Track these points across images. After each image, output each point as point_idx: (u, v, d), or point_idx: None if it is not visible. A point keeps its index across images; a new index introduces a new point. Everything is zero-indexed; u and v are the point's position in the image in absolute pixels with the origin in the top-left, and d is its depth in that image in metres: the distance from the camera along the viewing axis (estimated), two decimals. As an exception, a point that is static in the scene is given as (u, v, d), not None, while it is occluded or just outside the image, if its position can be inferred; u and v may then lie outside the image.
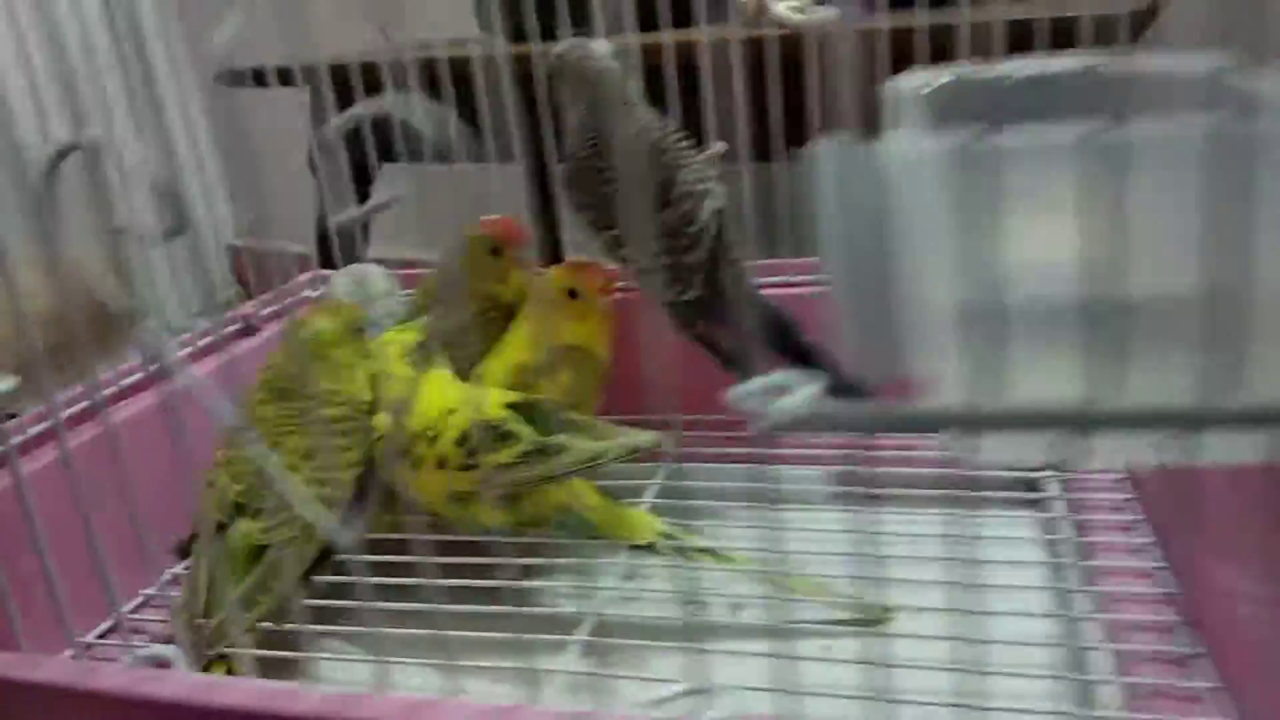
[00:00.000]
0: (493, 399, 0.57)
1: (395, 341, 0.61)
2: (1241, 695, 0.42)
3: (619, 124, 0.59)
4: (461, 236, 0.67)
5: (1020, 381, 0.24)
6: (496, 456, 0.54)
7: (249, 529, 0.52)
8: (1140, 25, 0.81)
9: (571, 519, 0.56)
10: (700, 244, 0.59)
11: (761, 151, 0.60)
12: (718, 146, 0.63)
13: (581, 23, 0.64)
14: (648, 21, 0.62)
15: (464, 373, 0.62)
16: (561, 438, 0.55)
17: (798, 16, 0.90)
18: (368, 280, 0.74)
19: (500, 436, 0.54)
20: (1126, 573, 0.52)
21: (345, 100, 0.73)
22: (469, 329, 0.66)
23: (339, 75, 0.70)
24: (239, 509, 0.53)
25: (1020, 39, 0.55)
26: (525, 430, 0.54)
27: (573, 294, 0.64)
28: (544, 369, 0.63)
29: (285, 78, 0.72)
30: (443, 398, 0.56)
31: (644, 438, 0.56)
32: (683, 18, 0.64)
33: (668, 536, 0.55)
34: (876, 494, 0.45)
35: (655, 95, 0.63)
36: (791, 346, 0.59)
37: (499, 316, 0.68)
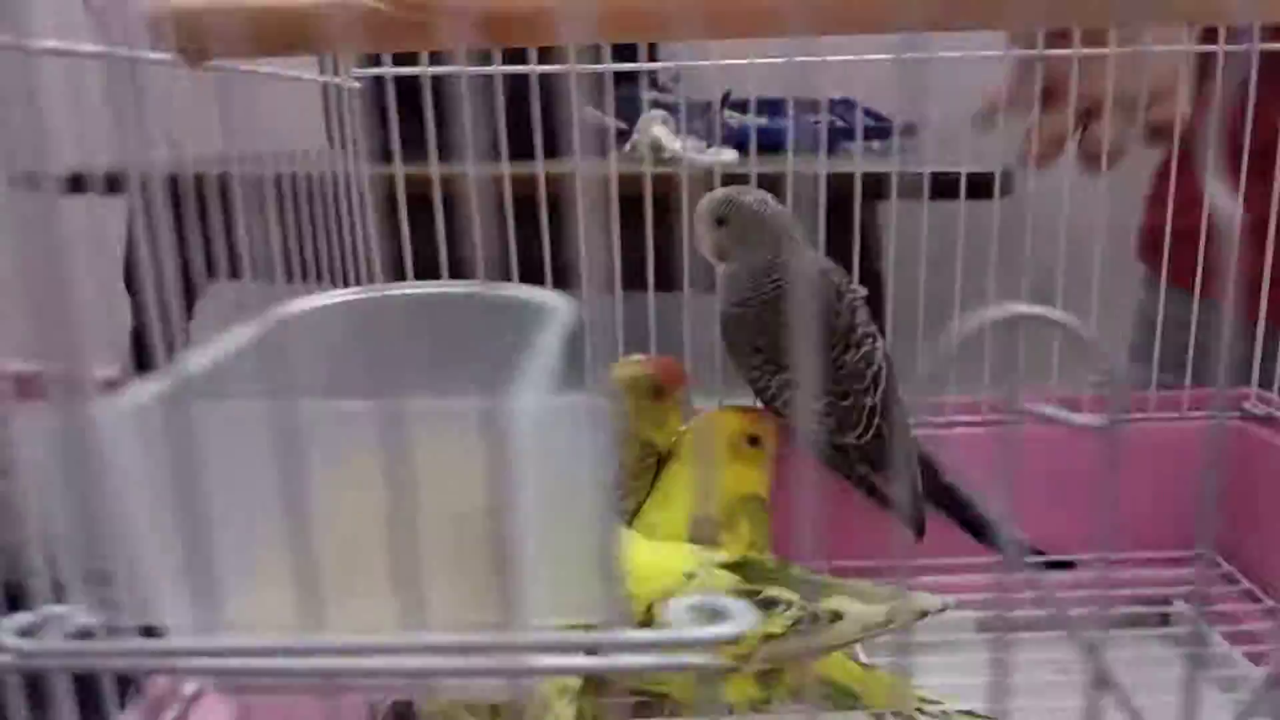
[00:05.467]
0: (707, 559, 0.49)
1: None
2: None
3: (799, 266, 0.56)
4: (613, 377, 0.59)
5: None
6: (765, 627, 0.46)
7: None
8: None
9: (836, 690, 0.49)
10: (877, 386, 0.60)
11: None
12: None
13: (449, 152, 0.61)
14: (521, 150, 0.59)
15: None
16: (833, 602, 0.47)
17: (703, 157, 0.86)
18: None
19: (764, 604, 0.46)
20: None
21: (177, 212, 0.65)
22: (627, 478, 0.59)
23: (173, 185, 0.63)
24: None
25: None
26: (793, 596, 0.47)
27: (753, 441, 0.60)
28: (725, 521, 0.57)
29: (113, 185, 0.65)
30: (669, 560, 0.49)
31: (929, 600, 0.48)
32: (554, 148, 0.62)
33: (928, 701, 0.49)
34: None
35: (528, 227, 0.60)
36: (934, 487, 0.61)
37: (654, 464, 0.61)
